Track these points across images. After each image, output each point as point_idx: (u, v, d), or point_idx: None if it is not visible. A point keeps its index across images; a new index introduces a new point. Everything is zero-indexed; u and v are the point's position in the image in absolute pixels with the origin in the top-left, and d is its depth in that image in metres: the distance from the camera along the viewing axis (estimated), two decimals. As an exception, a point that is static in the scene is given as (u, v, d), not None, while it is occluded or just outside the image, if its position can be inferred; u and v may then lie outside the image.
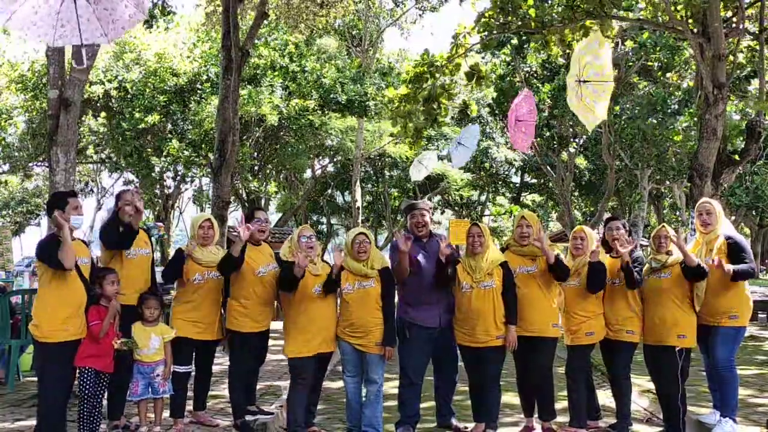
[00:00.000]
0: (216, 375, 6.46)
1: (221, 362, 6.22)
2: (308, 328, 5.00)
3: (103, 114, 17.04)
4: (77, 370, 4.55)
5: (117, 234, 5.03)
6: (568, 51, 13.70)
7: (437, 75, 12.17)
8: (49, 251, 4.36)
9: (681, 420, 4.98)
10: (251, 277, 5.18)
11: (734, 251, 5.03)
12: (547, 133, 21.31)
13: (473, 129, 12.31)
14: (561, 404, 5.46)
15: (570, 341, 5.29)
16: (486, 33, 11.84)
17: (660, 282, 5.06)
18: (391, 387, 6.10)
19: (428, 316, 5.27)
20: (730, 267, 4.91)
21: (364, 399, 5.14)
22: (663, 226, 5.21)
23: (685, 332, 4.98)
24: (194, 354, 5.30)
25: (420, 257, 5.33)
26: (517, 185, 32.92)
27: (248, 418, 5.27)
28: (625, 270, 4.99)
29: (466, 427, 5.47)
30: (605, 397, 6.06)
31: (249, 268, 5.16)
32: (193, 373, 5.33)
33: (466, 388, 5.49)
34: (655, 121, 17.75)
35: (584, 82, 6.67)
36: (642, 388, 6.40)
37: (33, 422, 4.67)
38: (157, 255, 12.61)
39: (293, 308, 5.06)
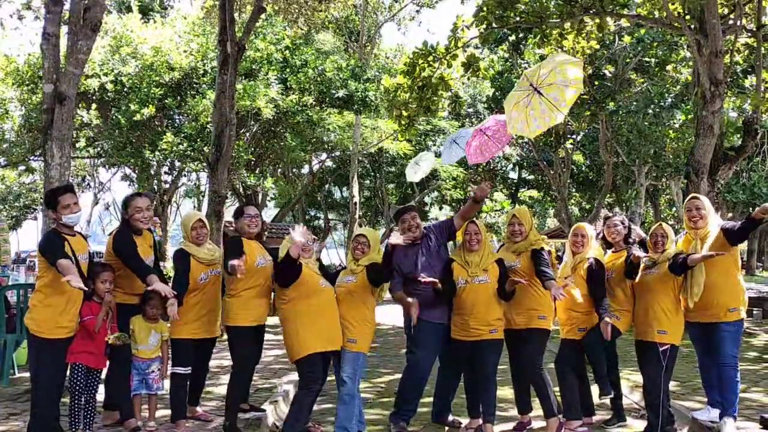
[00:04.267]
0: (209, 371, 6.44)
1: (213, 358, 6.20)
2: (319, 321, 4.79)
3: (95, 107, 16.93)
4: (69, 366, 4.54)
5: (134, 246, 4.90)
6: (561, 47, 13.72)
7: (435, 65, 12.22)
8: (50, 248, 4.36)
9: (659, 417, 4.95)
10: (252, 268, 5.03)
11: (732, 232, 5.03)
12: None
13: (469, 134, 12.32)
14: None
15: (563, 334, 5.33)
16: (484, 27, 11.85)
17: (648, 278, 5.07)
18: (389, 382, 6.09)
19: (436, 312, 5.25)
20: (732, 223, 4.95)
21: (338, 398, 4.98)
22: (660, 224, 5.20)
23: (666, 328, 4.94)
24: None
25: (419, 260, 5.31)
26: (515, 181, 32.94)
27: (241, 416, 5.24)
28: (633, 265, 5.06)
29: (460, 423, 5.48)
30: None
31: (249, 261, 4.99)
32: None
33: (462, 384, 5.48)
34: (651, 113, 17.70)
35: (540, 93, 6.20)
36: (635, 383, 6.41)
37: (27, 417, 4.66)
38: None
39: (302, 303, 4.81)
